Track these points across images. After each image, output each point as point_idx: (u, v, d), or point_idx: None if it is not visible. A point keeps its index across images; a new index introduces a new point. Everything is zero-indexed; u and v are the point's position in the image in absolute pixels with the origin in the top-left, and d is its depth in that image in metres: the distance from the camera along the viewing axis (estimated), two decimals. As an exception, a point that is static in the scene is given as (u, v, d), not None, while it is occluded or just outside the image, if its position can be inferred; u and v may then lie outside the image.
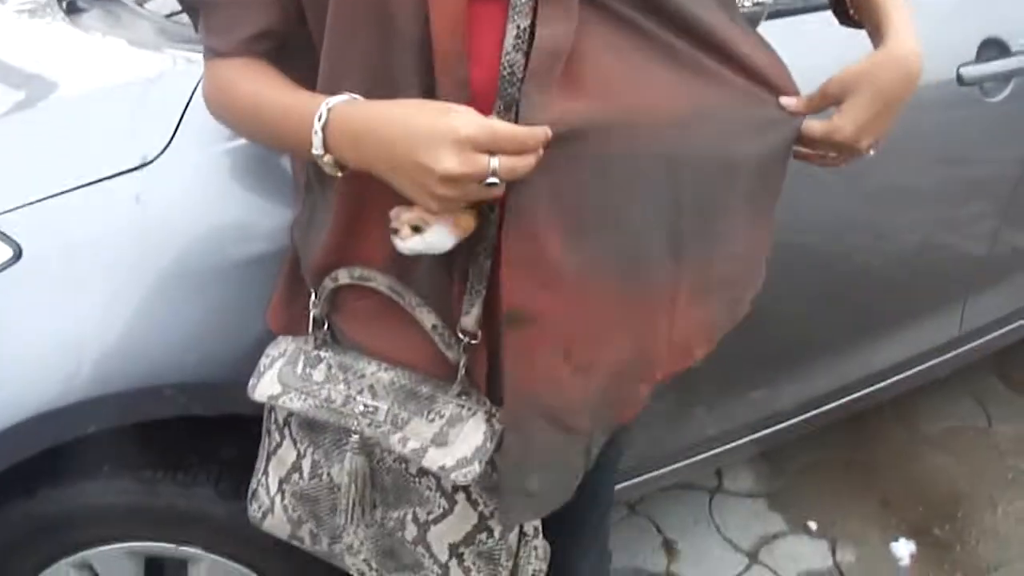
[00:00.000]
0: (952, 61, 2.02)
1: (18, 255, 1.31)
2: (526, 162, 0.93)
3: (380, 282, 1.11)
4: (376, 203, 1.04)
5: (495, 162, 0.91)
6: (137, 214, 1.34)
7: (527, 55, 0.98)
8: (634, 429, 1.32)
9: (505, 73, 0.98)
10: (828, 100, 1.15)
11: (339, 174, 1.01)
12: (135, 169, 1.35)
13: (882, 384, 2.36)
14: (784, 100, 1.16)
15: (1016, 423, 2.88)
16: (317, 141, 0.98)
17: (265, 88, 1.08)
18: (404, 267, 1.09)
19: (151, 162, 1.36)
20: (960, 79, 2.02)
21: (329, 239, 1.12)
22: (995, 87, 2.10)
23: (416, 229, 0.99)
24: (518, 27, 0.97)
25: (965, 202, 2.27)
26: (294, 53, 1.10)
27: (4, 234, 1.32)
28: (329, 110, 0.98)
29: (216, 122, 1.20)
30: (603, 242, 1.04)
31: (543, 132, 0.94)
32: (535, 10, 0.97)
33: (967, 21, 2.10)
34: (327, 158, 1.00)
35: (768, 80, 1.14)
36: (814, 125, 1.16)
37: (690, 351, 1.20)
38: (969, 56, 2.05)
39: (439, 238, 0.99)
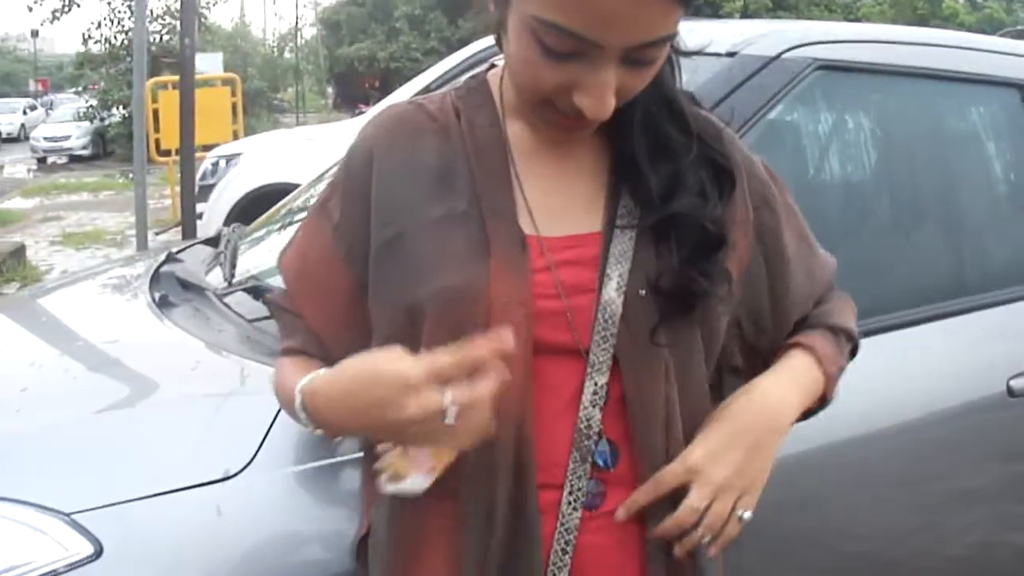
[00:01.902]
0: (1002, 374, 2.07)
1: (99, 553, 1.37)
2: (479, 391, 0.97)
3: None
4: (436, 532, 1.10)
5: (448, 397, 0.96)
6: (217, 524, 1.40)
7: (603, 410, 1.08)
8: None
9: (582, 427, 1.07)
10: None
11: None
12: (218, 481, 1.43)
13: None
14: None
15: None
16: (304, 419, 1.09)
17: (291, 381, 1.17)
18: None
19: (234, 476, 1.43)
20: (1011, 391, 2.07)
21: (393, 566, 1.16)
22: (1047, 395, 2.14)
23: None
24: (595, 384, 1.08)
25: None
26: None
27: (87, 530, 1.38)
28: (301, 393, 1.08)
29: (297, 441, 1.28)
30: None
31: (484, 348, 0.97)
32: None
33: (1015, 332, 2.18)
34: (317, 431, 1.10)
35: None
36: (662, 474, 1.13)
37: None
38: (1019, 367, 2.11)
39: (415, 484, 1.04)
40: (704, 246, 1.12)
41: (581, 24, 0.96)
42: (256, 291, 1.99)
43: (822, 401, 1.26)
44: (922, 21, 41.63)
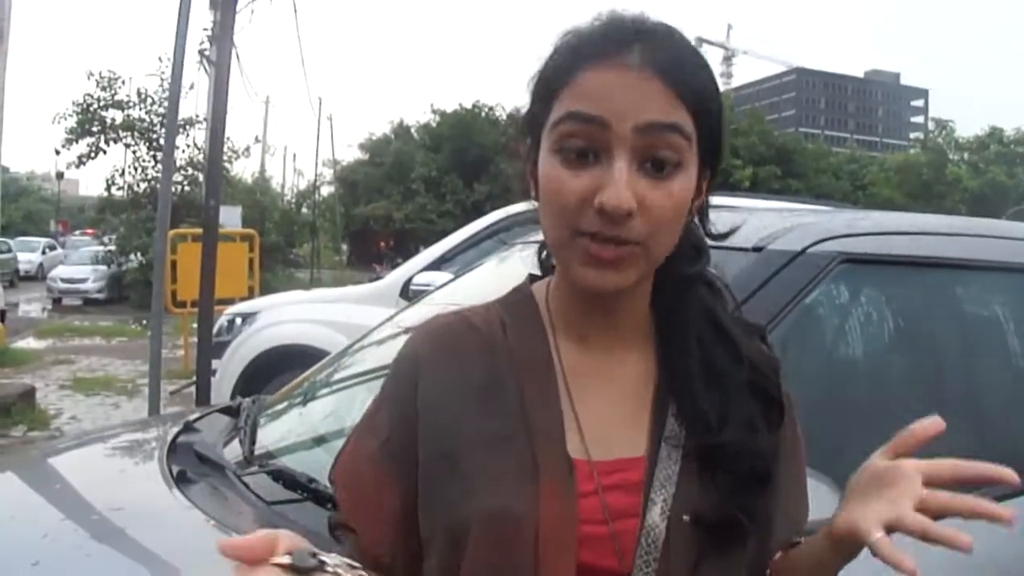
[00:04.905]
0: None
1: None
2: None
3: None
4: None
5: None
6: None
7: None
8: None
9: None
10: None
11: None
12: None
13: None
14: None
15: None
16: None
17: None
18: None
19: None
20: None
21: None
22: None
23: None
24: None
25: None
26: None
27: None
28: None
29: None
30: None
31: None
32: None
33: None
34: None
35: None
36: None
37: None
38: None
39: None
40: (749, 480, 1.11)
41: (591, 105, 1.04)
42: (275, 474, 1.96)
43: None
44: (926, 186, 42.53)
